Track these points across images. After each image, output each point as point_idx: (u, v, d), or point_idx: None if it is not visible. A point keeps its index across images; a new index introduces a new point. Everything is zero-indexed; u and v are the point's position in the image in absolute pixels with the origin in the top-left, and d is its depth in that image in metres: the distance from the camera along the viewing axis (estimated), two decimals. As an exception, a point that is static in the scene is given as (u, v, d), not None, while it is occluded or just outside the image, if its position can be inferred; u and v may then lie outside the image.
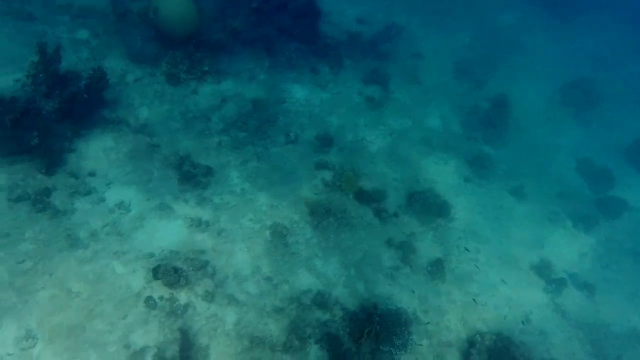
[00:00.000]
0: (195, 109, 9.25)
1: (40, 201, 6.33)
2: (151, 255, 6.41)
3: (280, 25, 11.04)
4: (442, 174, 10.24)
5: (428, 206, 9.19)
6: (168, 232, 6.88)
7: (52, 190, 6.57)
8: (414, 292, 7.57)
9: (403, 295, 7.52)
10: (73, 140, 7.16)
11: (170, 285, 6.02)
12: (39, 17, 8.75)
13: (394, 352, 6.15)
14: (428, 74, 12.60)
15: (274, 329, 6.15)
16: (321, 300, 6.80)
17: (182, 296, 6.01)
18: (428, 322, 7.17)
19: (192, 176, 7.92)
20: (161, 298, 5.87)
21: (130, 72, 8.87)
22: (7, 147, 6.50)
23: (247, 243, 7.29)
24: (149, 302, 5.76)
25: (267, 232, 7.62)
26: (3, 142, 6.41)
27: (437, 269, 8.18)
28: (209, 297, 6.16)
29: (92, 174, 7.08)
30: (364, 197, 9.08)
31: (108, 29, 9.15)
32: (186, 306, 5.91)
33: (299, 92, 10.61)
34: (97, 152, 7.31)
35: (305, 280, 7.07)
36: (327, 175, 9.26)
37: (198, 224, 7.18)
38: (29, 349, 4.92)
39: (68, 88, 7.23)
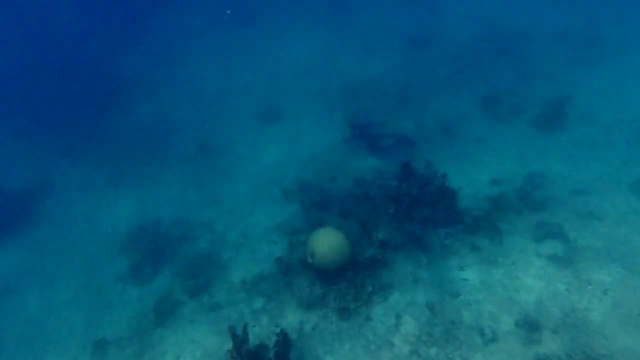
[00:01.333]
0: (375, 336, 8.63)
1: None
2: None
3: (421, 218, 10.97)
4: None
5: None
6: None
7: None
8: None
9: None
10: None
11: None
12: (223, 304, 10.02)
13: None
14: (607, 207, 10.68)
15: None
16: None
17: None
18: None
19: None
20: None
21: (306, 322, 9.00)
22: None
23: None
24: None
25: None
26: None
27: None
28: None
29: None
30: (629, 394, 6.55)
31: (278, 288, 9.95)
32: None
33: (470, 277, 9.52)
34: None
35: None
36: (559, 373, 7.18)
37: None
38: None
39: (261, 364, 7.37)
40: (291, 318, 9.14)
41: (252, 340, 8.00)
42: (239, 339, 7.47)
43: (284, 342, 7.82)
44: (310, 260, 9.70)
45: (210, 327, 9.57)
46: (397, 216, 11.22)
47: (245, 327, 7.75)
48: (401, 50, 21.87)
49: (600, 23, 20.69)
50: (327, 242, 9.69)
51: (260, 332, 8.88)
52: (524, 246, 10.01)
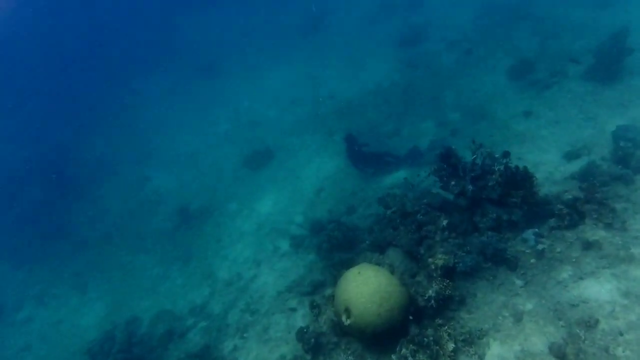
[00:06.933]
0: None
1: None
2: None
3: (490, 223, 8.03)
4: None
5: None
6: None
7: None
8: None
9: None
10: None
11: None
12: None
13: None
14: None
15: None
16: None
17: None
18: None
19: None
20: None
21: None
22: None
23: None
24: None
25: None
26: None
27: None
28: None
29: None
30: None
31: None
32: None
33: (602, 291, 6.38)
34: None
35: None
36: None
37: None
38: None
39: None
40: None
41: None
42: None
43: None
44: (347, 322, 6.71)
45: None
46: (454, 229, 8.31)
47: None
48: (393, 52, 20.07)
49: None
50: (364, 288, 6.75)
51: None
52: None
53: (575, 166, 9.42)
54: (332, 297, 7.90)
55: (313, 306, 8.14)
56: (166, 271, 12.60)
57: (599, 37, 13.44)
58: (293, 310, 9.00)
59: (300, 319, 8.62)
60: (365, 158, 13.08)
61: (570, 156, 9.90)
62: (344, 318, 6.79)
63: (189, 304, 10.86)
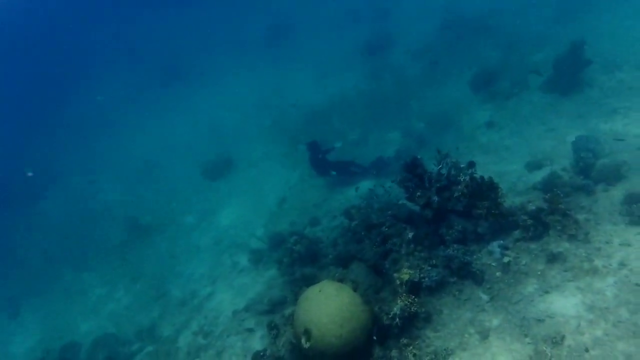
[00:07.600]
0: None
1: None
2: None
3: (456, 235, 7.89)
4: None
5: None
6: None
7: None
8: None
9: None
10: None
11: None
12: None
13: None
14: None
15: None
16: None
17: None
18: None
19: None
20: None
21: None
22: None
23: None
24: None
25: None
26: None
27: None
28: None
29: None
30: None
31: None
32: None
33: (567, 306, 6.29)
34: None
35: None
36: None
37: None
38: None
39: None
40: None
41: None
42: None
43: None
44: (306, 345, 6.30)
45: None
46: (420, 242, 8.11)
47: None
48: (360, 61, 20.11)
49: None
50: (325, 307, 6.38)
51: None
52: (624, 235, 7.01)
53: (537, 176, 9.49)
54: (291, 317, 7.48)
55: (271, 327, 7.69)
56: (111, 291, 11.73)
57: (558, 49, 13.88)
58: (250, 331, 8.49)
59: (258, 341, 8.12)
60: (329, 167, 12.82)
61: (533, 166, 10.00)
62: (303, 340, 6.38)
63: (136, 326, 10.10)
